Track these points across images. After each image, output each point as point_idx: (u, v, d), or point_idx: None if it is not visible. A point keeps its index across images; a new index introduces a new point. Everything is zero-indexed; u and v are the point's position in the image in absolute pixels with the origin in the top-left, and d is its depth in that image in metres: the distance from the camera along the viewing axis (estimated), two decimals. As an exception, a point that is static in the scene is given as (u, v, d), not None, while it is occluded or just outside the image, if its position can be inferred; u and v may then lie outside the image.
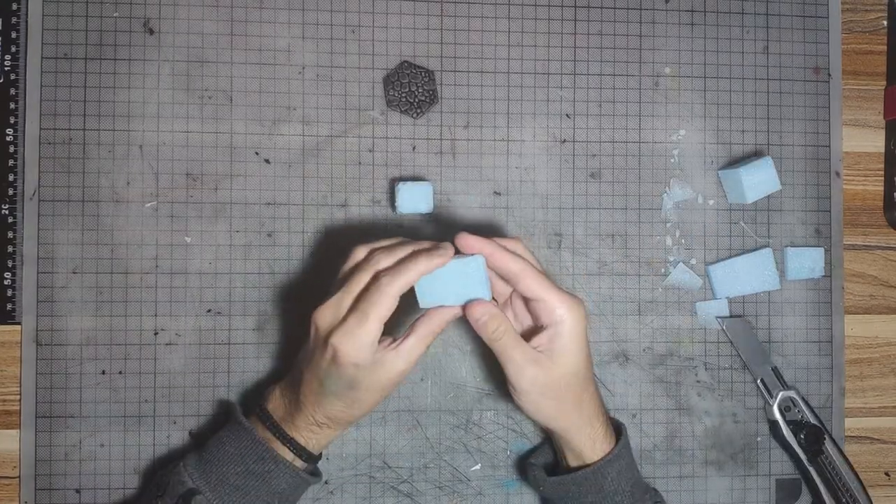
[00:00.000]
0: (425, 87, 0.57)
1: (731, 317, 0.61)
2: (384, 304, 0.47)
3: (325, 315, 0.48)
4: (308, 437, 0.51)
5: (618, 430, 0.54)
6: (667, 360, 0.61)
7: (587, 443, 0.52)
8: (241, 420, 0.51)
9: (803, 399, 0.60)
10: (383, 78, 0.59)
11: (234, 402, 0.56)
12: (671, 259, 0.61)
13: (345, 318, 0.47)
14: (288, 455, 0.51)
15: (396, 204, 0.57)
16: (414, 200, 0.57)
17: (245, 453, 0.50)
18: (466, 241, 0.49)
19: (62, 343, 0.57)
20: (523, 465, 0.58)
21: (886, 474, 0.64)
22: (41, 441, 0.56)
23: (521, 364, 0.49)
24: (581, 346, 0.49)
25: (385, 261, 0.48)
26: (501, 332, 0.48)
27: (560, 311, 0.48)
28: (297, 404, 0.50)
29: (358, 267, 0.49)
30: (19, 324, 0.57)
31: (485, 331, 0.49)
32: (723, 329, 0.61)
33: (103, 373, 0.57)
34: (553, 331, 0.49)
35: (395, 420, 0.59)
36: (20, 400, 0.57)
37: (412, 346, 0.48)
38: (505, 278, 0.50)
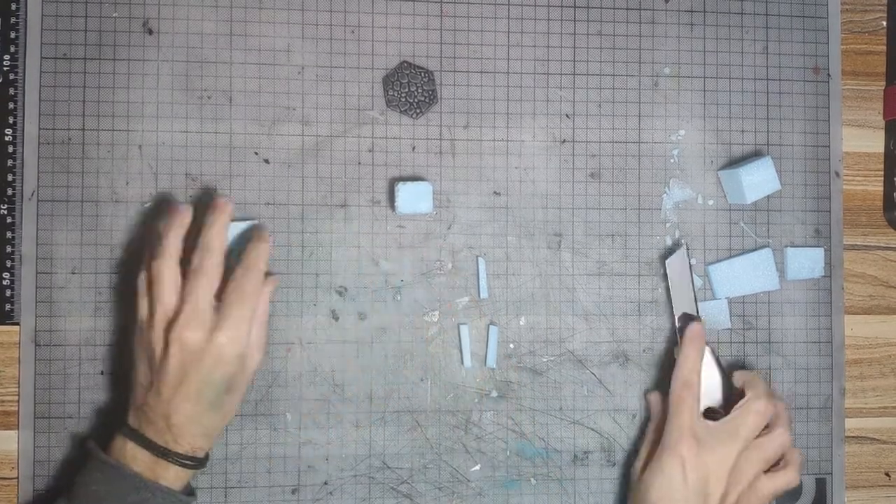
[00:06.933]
0: (425, 88, 0.57)
1: (674, 252, 0.60)
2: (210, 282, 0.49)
3: (192, 326, 0.47)
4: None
5: None
6: (667, 361, 0.61)
7: None
8: (104, 458, 0.49)
9: (716, 357, 0.58)
10: (383, 78, 0.59)
11: (90, 440, 0.51)
12: (671, 259, 0.61)
13: (226, 310, 0.48)
14: (169, 476, 0.49)
15: (396, 204, 0.57)
16: (413, 200, 0.57)
17: (120, 488, 0.47)
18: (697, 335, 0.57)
19: (61, 343, 0.57)
20: None
21: (886, 474, 0.63)
22: (40, 442, 0.56)
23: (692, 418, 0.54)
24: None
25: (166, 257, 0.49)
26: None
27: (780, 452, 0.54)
28: (171, 440, 0.48)
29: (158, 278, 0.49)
30: (18, 324, 0.57)
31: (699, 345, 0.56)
32: (665, 271, 0.60)
33: (102, 373, 0.57)
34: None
35: (394, 421, 0.59)
36: (19, 400, 0.56)
37: (258, 333, 0.50)
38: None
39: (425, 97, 0.58)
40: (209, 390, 0.48)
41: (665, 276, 0.60)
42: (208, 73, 0.58)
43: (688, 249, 0.60)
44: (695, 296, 0.59)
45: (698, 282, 0.61)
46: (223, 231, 0.50)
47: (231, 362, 0.48)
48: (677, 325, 0.60)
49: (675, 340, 0.60)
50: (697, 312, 0.59)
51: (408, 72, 0.58)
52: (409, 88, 0.59)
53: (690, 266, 0.60)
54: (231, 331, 0.47)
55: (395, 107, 0.59)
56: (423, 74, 0.58)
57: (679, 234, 0.61)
